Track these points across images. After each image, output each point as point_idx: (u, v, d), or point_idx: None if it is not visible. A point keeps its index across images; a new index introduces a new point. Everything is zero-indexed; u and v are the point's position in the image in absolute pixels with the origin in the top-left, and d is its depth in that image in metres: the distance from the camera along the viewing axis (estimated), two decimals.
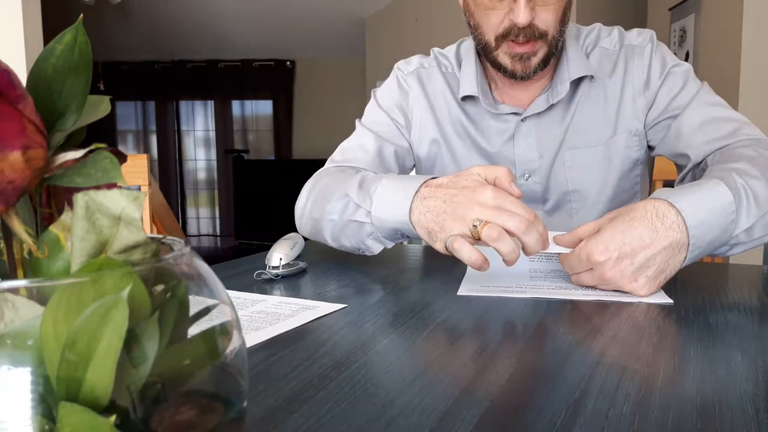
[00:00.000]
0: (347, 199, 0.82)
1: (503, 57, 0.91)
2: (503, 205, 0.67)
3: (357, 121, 1.07)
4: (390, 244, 0.83)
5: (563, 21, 0.90)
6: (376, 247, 0.83)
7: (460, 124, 1.02)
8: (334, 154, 1.05)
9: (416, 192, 0.74)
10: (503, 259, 0.68)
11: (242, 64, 6.51)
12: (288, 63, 6.53)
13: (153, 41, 5.92)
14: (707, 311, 0.61)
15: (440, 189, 0.73)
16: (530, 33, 0.88)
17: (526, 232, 0.66)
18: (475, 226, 0.67)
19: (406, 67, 1.07)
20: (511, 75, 0.93)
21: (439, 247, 0.71)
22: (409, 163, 1.07)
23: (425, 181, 0.75)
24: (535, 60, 0.91)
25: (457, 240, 0.68)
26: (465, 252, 0.68)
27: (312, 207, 0.91)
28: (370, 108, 1.08)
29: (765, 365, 0.46)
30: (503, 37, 0.90)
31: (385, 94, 1.07)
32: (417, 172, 1.10)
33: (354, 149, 1.02)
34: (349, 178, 0.85)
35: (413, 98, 1.05)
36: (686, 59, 2.92)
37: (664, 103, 0.95)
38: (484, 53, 0.94)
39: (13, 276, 0.25)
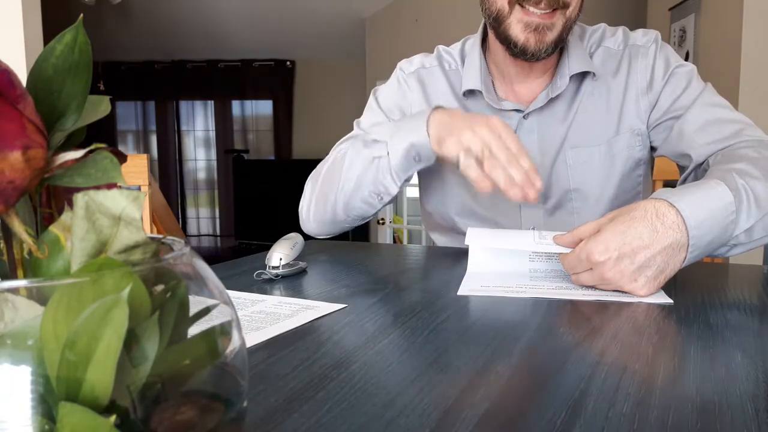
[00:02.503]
0: (364, 145, 0.91)
1: (515, 26, 0.88)
2: (503, 136, 0.77)
3: (355, 123, 1.07)
4: (403, 177, 0.89)
5: (581, 5, 0.89)
6: (393, 187, 0.90)
7: None
8: (329, 155, 1.05)
9: (431, 112, 0.85)
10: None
11: (242, 64, 6.51)
12: (288, 63, 6.53)
13: (153, 41, 5.92)
14: (707, 311, 0.61)
15: (449, 111, 0.85)
16: (554, 0, 0.85)
17: (508, 165, 0.76)
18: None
19: (407, 67, 1.07)
20: (522, 51, 0.89)
21: (446, 151, 0.81)
22: None
23: (437, 107, 0.86)
24: (551, 35, 0.88)
25: (469, 160, 0.78)
26: (473, 172, 0.78)
27: (320, 193, 0.96)
28: (369, 109, 1.08)
29: (765, 365, 0.46)
30: (519, 2, 0.87)
31: (384, 93, 1.08)
32: (417, 173, 1.10)
33: None
34: (355, 142, 0.95)
35: (412, 98, 1.05)
36: (686, 59, 2.92)
37: (667, 104, 0.94)
38: (496, 25, 0.91)
39: (13, 276, 0.25)
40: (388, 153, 0.87)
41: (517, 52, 0.90)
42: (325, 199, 0.96)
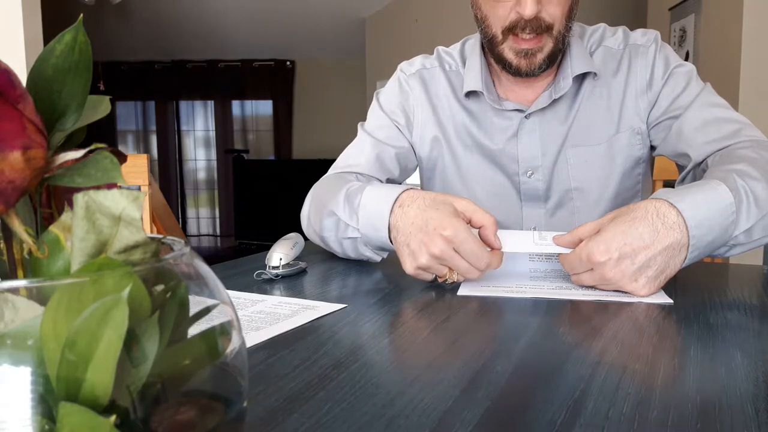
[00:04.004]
0: (335, 218, 0.84)
1: (508, 52, 0.92)
2: (460, 251, 0.69)
3: (359, 126, 1.08)
4: (385, 254, 0.85)
5: (569, 16, 0.90)
6: (377, 257, 0.85)
7: (462, 125, 1.02)
8: (336, 160, 1.06)
9: (390, 211, 0.76)
10: None
11: (242, 64, 6.51)
12: (288, 63, 6.53)
13: (153, 41, 5.92)
14: (707, 311, 0.61)
15: (409, 213, 0.74)
16: (536, 26, 0.88)
17: (466, 273, 0.71)
18: (444, 280, 0.72)
19: (408, 69, 1.08)
20: (516, 71, 0.93)
21: (407, 271, 0.74)
22: (411, 165, 1.07)
23: (397, 198, 0.76)
24: (541, 56, 0.91)
25: (426, 275, 0.73)
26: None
27: (313, 219, 0.92)
28: (372, 111, 1.09)
29: (765, 365, 0.46)
30: (509, 30, 0.90)
31: (386, 95, 1.08)
32: (420, 173, 1.10)
33: (354, 155, 1.03)
34: (338, 191, 0.86)
35: (414, 99, 1.05)
36: (686, 59, 2.92)
37: (666, 103, 0.95)
38: (490, 47, 0.95)
39: (13, 276, 0.25)
40: (361, 237, 0.81)
41: (512, 72, 0.94)
42: (318, 237, 0.91)
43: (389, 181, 1.03)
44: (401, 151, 1.04)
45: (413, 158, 1.07)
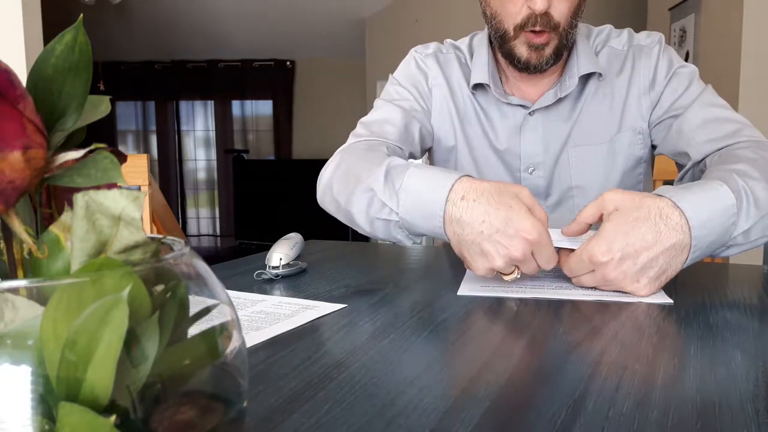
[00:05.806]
0: (371, 194, 0.78)
1: (520, 47, 0.92)
2: (537, 253, 0.67)
3: (377, 100, 1.05)
4: (419, 240, 0.80)
5: (576, 14, 0.91)
6: (408, 242, 0.80)
7: (474, 113, 1.03)
8: (356, 129, 1.00)
9: (446, 200, 0.70)
10: None
11: (242, 64, 6.51)
12: (288, 63, 6.53)
13: (153, 41, 5.92)
14: (707, 311, 0.61)
15: (477, 209, 0.68)
16: (545, 21, 0.89)
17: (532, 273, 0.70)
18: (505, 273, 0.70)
19: (423, 50, 1.08)
20: (525, 66, 0.93)
21: (470, 269, 0.72)
22: (428, 144, 1.06)
23: (453, 187, 0.71)
24: (548, 50, 0.92)
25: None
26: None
27: (337, 189, 0.86)
28: (391, 87, 1.06)
29: (765, 365, 0.46)
30: (521, 27, 0.91)
31: (403, 74, 1.07)
32: (434, 153, 1.09)
33: (380, 123, 0.98)
34: (376, 164, 0.80)
35: (432, 78, 1.04)
36: (686, 59, 2.91)
37: (668, 103, 0.96)
38: (500, 43, 0.95)
39: (13, 276, 0.25)
40: (398, 221, 0.77)
41: (521, 67, 0.94)
42: (342, 209, 0.85)
43: (410, 157, 1.00)
44: (423, 128, 1.03)
45: (430, 140, 1.06)
